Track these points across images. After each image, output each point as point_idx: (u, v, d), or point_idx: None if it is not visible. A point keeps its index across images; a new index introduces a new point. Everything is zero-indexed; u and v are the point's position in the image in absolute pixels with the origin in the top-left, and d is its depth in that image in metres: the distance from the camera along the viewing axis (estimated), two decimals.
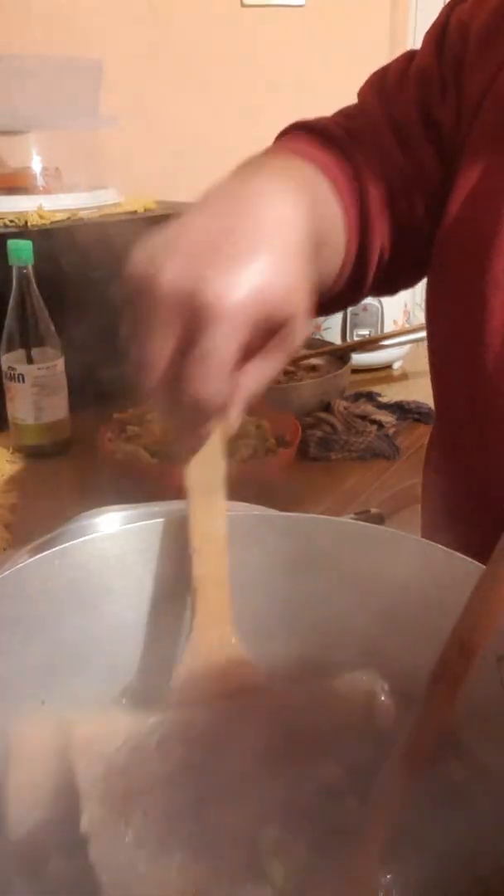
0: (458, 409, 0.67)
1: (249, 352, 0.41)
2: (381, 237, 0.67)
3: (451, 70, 0.65)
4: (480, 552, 0.41)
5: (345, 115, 0.70)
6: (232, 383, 0.40)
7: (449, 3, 0.68)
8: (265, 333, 0.41)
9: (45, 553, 0.45)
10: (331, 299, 0.69)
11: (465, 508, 0.68)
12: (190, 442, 0.44)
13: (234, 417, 0.42)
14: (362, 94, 0.71)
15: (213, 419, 0.41)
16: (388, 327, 1.33)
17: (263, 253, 0.40)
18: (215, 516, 0.46)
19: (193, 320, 0.39)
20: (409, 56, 0.69)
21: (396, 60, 0.70)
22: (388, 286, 0.74)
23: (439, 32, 0.67)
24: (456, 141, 0.65)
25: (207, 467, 0.45)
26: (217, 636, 0.46)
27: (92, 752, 0.41)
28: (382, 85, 0.69)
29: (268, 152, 0.64)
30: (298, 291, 0.41)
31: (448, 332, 0.67)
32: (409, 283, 0.75)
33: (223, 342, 0.38)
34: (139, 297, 0.40)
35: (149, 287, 0.39)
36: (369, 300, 1.30)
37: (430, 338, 0.70)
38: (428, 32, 0.68)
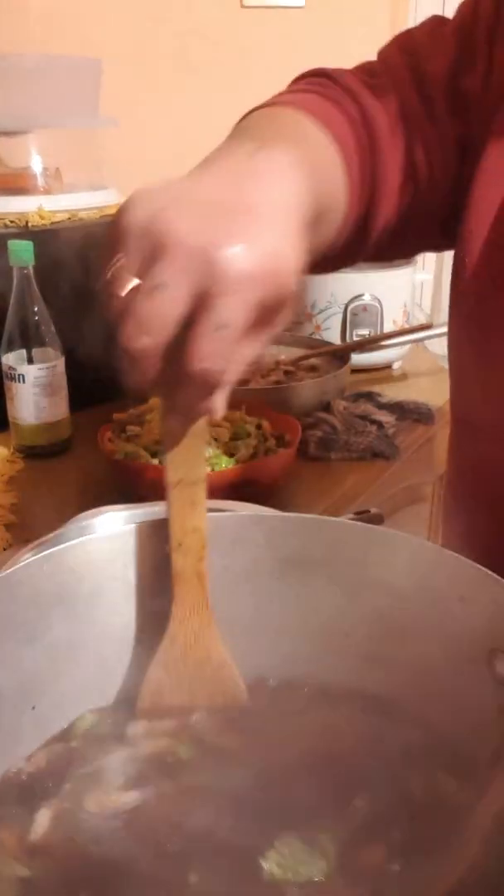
0: (486, 400, 0.66)
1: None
2: (388, 202, 0.64)
3: (483, 38, 0.63)
4: None
5: (367, 71, 0.67)
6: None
7: None
8: (258, 311, 0.39)
9: (33, 558, 0.45)
10: (323, 261, 0.65)
11: (490, 528, 0.68)
12: (183, 418, 0.42)
13: (222, 402, 0.40)
14: (386, 53, 0.68)
15: (209, 395, 0.39)
16: (388, 327, 1.33)
17: (278, 228, 0.39)
18: (196, 510, 0.45)
19: (206, 284, 0.36)
20: (438, 20, 0.67)
21: (424, 22, 0.67)
22: (386, 255, 0.71)
23: (472, 1, 0.65)
24: (481, 115, 0.63)
25: (189, 461, 0.44)
26: (195, 629, 0.46)
27: None
28: (409, 43, 0.66)
29: (278, 104, 0.61)
30: (298, 272, 0.40)
31: (479, 320, 0.65)
32: (405, 255, 0.74)
33: (238, 312, 0.36)
34: (143, 248, 0.36)
35: (159, 240, 0.36)
36: (369, 301, 1.30)
37: (455, 326, 0.68)
38: (462, 3, 0.66)
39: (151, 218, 0.36)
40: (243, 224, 0.37)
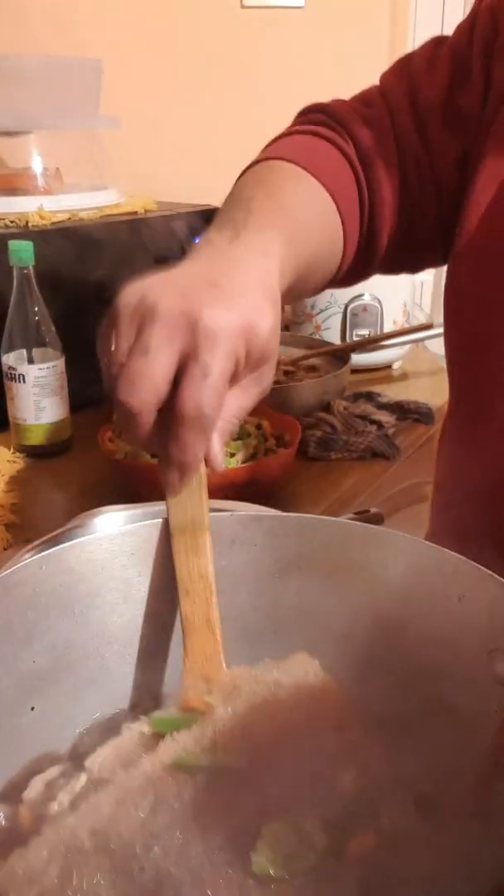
0: (482, 400, 0.68)
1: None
2: (389, 224, 0.68)
3: (479, 54, 0.65)
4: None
5: (365, 101, 0.71)
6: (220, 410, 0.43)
7: None
8: (239, 371, 0.44)
9: (33, 558, 0.45)
10: (336, 282, 0.72)
11: (482, 501, 0.69)
12: (181, 469, 0.44)
13: (219, 451, 0.44)
14: (385, 78, 0.72)
15: (204, 441, 0.43)
16: (388, 327, 1.33)
17: (252, 296, 0.45)
18: (200, 556, 0.46)
19: (191, 342, 0.41)
20: (436, 41, 0.70)
21: (422, 46, 0.71)
22: (391, 270, 0.76)
23: (471, 18, 0.67)
24: (479, 129, 0.65)
25: (190, 507, 0.46)
26: (207, 679, 0.46)
27: None
28: (407, 69, 0.70)
29: (274, 158, 0.65)
30: (276, 334, 0.46)
31: (472, 324, 0.67)
32: (411, 269, 0.79)
33: (222, 359, 0.42)
34: (135, 322, 0.42)
35: (148, 311, 0.42)
36: (369, 301, 1.31)
37: (450, 330, 0.71)
38: (461, 22, 0.69)
39: (140, 299, 0.43)
40: (220, 295, 0.44)
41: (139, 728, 0.44)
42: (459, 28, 0.68)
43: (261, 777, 0.40)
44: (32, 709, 0.45)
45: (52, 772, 0.43)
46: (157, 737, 0.43)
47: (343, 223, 0.66)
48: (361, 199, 0.67)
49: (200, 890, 0.36)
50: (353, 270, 0.71)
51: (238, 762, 0.41)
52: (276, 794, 0.39)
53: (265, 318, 0.45)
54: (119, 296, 0.44)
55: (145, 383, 0.41)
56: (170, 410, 0.42)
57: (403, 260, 0.74)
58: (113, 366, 0.43)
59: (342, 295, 1.31)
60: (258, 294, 0.46)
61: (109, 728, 0.46)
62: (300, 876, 0.36)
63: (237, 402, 0.46)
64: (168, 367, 0.42)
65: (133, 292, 0.44)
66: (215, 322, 0.42)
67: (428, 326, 1.33)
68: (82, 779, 0.42)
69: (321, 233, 0.64)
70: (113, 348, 0.43)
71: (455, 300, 0.69)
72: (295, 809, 0.38)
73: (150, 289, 0.43)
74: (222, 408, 0.43)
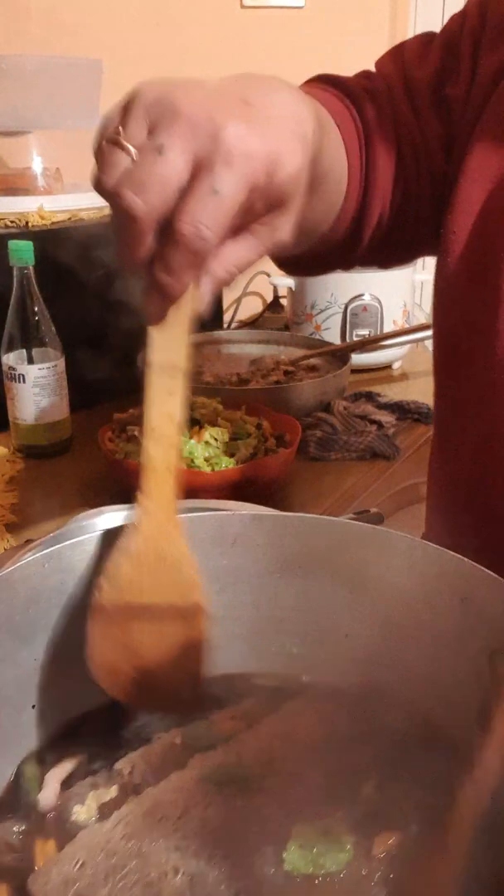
0: (466, 401, 0.67)
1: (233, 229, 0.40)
2: (383, 195, 0.67)
3: (468, 47, 0.66)
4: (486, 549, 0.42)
5: (365, 77, 0.71)
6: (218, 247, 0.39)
7: None
8: (253, 210, 0.40)
9: (33, 557, 0.45)
10: (325, 252, 0.69)
11: (471, 504, 0.69)
12: (165, 296, 0.41)
13: (207, 290, 0.40)
14: (380, 62, 0.72)
15: (195, 270, 0.39)
16: (388, 327, 1.33)
17: (284, 128, 0.41)
18: (173, 398, 0.44)
19: (208, 152, 0.37)
20: (430, 34, 0.70)
21: (416, 36, 0.71)
22: (382, 256, 0.74)
23: (463, 11, 0.68)
24: (463, 121, 0.66)
25: (171, 347, 0.43)
26: (160, 521, 0.45)
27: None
28: (401, 55, 0.70)
29: None
30: (300, 179, 0.42)
31: (459, 320, 0.67)
32: (401, 259, 0.76)
33: (237, 180, 0.37)
34: (152, 115, 0.38)
35: (168, 108, 0.37)
36: (369, 301, 1.30)
37: (438, 327, 0.70)
38: (454, 13, 0.69)
39: (162, 93, 0.38)
40: (252, 115, 0.39)
41: (170, 739, 0.44)
42: (452, 19, 0.69)
43: (287, 788, 0.41)
44: (33, 707, 0.45)
45: (67, 766, 0.43)
46: (187, 748, 0.44)
47: (349, 170, 0.64)
48: (361, 155, 0.66)
49: (234, 889, 0.36)
50: (344, 241, 0.68)
51: (263, 776, 0.41)
52: (302, 802, 0.40)
53: (293, 155, 0.40)
54: (138, 85, 0.39)
55: (155, 185, 0.37)
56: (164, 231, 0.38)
57: (394, 243, 0.72)
58: (117, 160, 0.38)
59: (342, 295, 1.31)
60: (291, 128, 0.41)
61: (111, 727, 0.46)
62: (331, 873, 0.37)
63: (241, 250, 0.41)
64: (182, 171, 0.37)
65: (155, 85, 0.39)
66: (240, 139, 0.37)
67: (428, 326, 1.33)
68: (110, 786, 0.42)
69: (335, 144, 0.62)
70: (116, 141, 0.38)
71: (442, 299, 0.69)
72: (321, 814, 0.39)
73: (175, 87, 0.39)
74: (224, 249, 0.39)
